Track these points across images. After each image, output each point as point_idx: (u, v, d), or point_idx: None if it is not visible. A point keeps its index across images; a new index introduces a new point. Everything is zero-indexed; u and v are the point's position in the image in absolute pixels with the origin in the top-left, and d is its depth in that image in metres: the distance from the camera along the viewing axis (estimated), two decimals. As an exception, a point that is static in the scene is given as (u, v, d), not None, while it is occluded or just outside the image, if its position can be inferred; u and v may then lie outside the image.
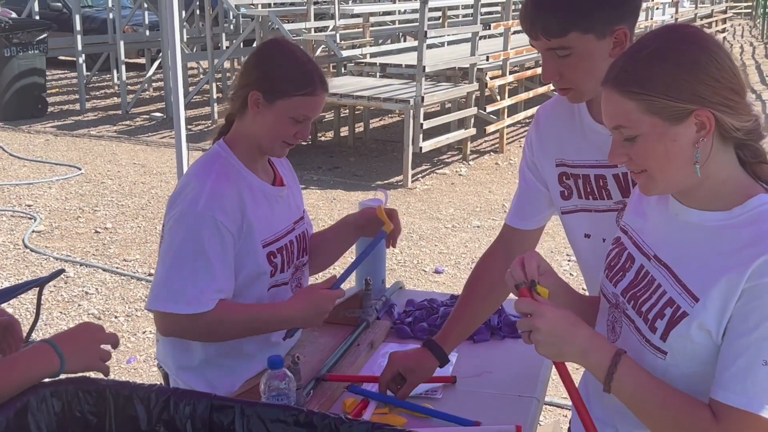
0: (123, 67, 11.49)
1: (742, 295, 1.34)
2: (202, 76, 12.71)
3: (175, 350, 2.15)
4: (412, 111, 7.83)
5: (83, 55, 11.65)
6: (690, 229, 1.46)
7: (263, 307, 2.09)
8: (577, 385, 1.51)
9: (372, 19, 11.17)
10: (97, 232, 6.37)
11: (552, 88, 8.98)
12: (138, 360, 4.33)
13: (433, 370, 2.07)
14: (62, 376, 1.54)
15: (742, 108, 1.38)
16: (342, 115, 9.85)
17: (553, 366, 1.51)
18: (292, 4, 12.23)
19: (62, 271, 3.58)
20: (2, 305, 2.83)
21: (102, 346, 1.65)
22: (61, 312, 4.87)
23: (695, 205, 1.45)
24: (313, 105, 2.05)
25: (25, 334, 3.15)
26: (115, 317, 4.84)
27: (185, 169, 4.39)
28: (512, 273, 1.56)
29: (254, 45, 7.53)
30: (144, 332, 4.63)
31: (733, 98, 1.36)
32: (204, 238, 1.96)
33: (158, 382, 2.24)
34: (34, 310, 3.48)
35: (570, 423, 1.89)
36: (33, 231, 6.32)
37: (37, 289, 3.40)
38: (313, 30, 10.37)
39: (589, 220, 1.93)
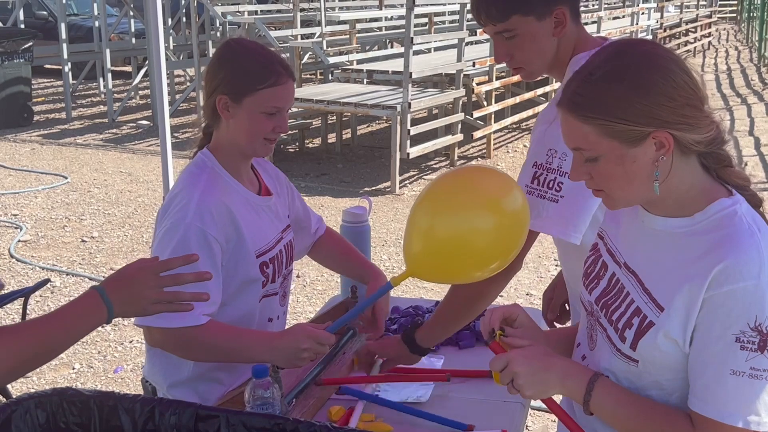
0: (109, 75, 11.45)
1: (704, 304, 1.35)
2: (188, 84, 12.68)
3: (167, 366, 2.11)
4: (399, 117, 7.83)
5: (69, 64, 11.61)
6: (655, 236, 1.47)
7: (247, 332, 2.03)
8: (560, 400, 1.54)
9: (358, 26, 11.18)
10: (83, 241, 6.34)
11: (538, 93, 9.08)
12: (125, 369, 4.31)
13: (415, 361, 2.09)
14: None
15: (701, 121, 1.37)
16: (329, 122, 9.85)
17: None
18: (278, 11, 12.22)
19: (47, 281, 3.56)
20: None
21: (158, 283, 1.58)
22: (47, 322, 4.84)
23: (660, 212, 1.46)
24: (282, 94, 2.02)
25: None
26: (102, 327, 4.82)
27: (171, 177, 4.38)
28: (482, 329, 1.59)
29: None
30: (131, 341, 4.61)
31: (691, 114, 1.35)
32: (193, 251, 1.91)
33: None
34: (20, 321, 3.45)
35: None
36: (19, 240, 6.28)
37: (23, 299, 3.38)
38: (299, 37, 10.37)
39: None
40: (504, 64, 8.93)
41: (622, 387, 1.46)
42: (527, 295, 5.27)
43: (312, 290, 5.35)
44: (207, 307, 1.92)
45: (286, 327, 2.37)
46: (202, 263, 1.93)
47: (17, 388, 4.01)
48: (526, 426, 3.70)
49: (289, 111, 2.09)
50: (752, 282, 1.31)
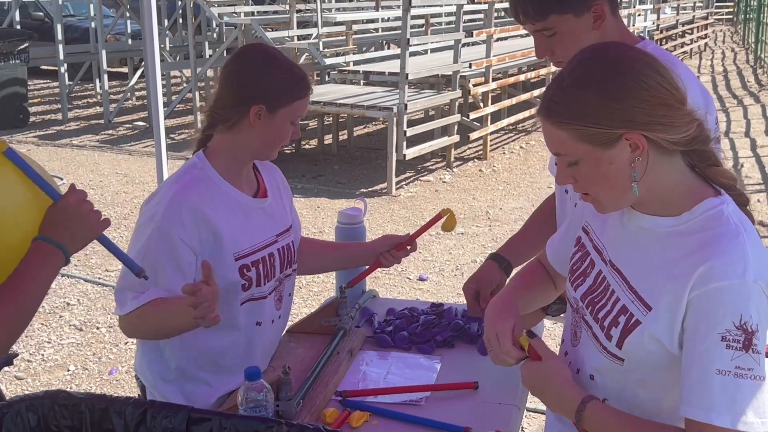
0: (105, 77, 11.44)
1: (689, 305, 1.35)
2: (185, 85, 12.67)
3: (152, 361, 2.13)
4: (395, 118, 7.83)
5: (65, 65, 11.59)
6: (642, 234, 1.47)
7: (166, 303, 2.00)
8: None
9: (355, 27, 11.18)
10: (79, 242, 6.32)
11: (535, 94, 9.06)
12: (120, 371, 4.29)
13: (503, 282, 2.20)
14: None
15: (677, 120, 1.37)
16: (326, 123, 9.85)
17: None
18: (275, 12, 12.23)
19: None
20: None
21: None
22: (42, 323, 4.83)
23: (646, 211, 1.47)
24: (306, 105, 2.11)
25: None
26: (97, 328, 4.80)
27: (165, 178, 4.37)
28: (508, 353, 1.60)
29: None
30: (126, 343, 4.59)
31: (665, 114, 1.36)
32: (152, 247, 1.98)
33: (137, 394, 2.23)
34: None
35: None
36: (14, 242, 6.26)
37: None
38: (296, 38, 10.37)
39: None
40: (500, 65, 8.86)
41: (612, 409, 1.46)
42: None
43: (308, 292, 5.34)
44: (140, 294, 1.96)
45: (286, 329, 2.38)
46: (162, 263, 1.97)
47: (11, 390, 4.00)
48: (522, 428, 3.70)
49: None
50: (737, 281, 1.32)
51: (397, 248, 2.41)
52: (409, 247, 2.41)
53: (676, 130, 1.37)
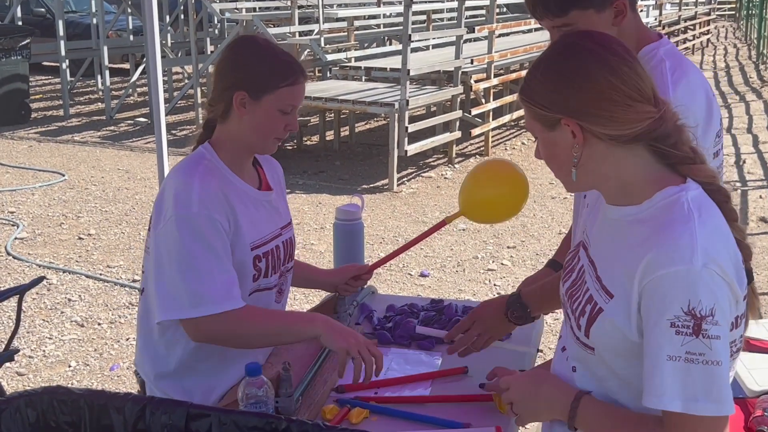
0: (107, 73, 11.44)
1: (642, 293, 1.38)
2: (186, 81, 12.66)
3: (151, 357, 2.12)
4: (397, 114, 7.82)
5: (67, 61, 11.58)
6: (611, 225, 1.51)
7: (293, 312, 2.11)
8: None
9: (356, 23, 11.16)
10: (80, 238, 6.33)
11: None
12: (121, 367, 4.30)
13: (510, 330, 2.18)
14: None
15: (619, 116, 1.39)
16: (327, 119, 9.84)
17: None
18: (276, 8, 12.20)
19: (42, 278, 3.54)
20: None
21: None
22: (43, 319, 4.83)
23: (613, 202, 1.50)
24: (298, 93, 2.06)
25: (6, 342, 3.12)
26: (99, 324, 4.81)
27: (166, 174, 4.36)
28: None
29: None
30: (127, 339, 4.60)
31: (606, 108, 1.39)
32: (209, 238, 1.94)
33: (137, 390, 2.23)
34: (15, 318, 3.44)
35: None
36: (15, 238, 6.27)
37: (17, 296, 3.37)
38: (297, 34, 10.36)
39: None
40: (502, 61, 8.86)
41: (603, 403, 1.49)
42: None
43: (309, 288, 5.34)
44: (234, 287, 1.95)
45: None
46: (220, 249, 1.96)
47: (12, 386, 4.01)
48: (523, 424, 3.70)
49: (297, 110, 2.11)
50: (683, 267, 1.33)
51: (354, 278, 2.44)
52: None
53: (616, 125, 1.40)
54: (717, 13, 27.87)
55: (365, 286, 2.64)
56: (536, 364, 2.27)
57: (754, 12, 21.98)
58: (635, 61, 1.43)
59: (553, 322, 4.59)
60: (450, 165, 8.79)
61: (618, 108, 1.39)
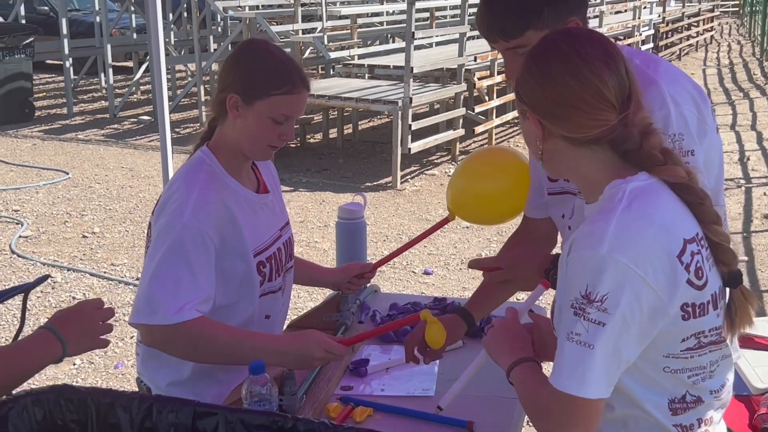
0: (110, 71, 11.45)
1: (564, 270, 1.45)
2: (190, 79, 12.67)
3: (159, 368, 2.10)
4: (400, 112, 7.82)
5: (70, 59, 11.60)
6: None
7: (254, 334, 2.02)
8: None
9: (359, 21, 11.15)
10: (84, 236, 6.34)
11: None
12: (126, 365, 4.31)
13: (461, 336, 2.15)
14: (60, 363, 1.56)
15: (576, 118, 1.43)
16: (330, 117, 9.84)
17: None
18: (279, 6, 12.20)
19: (47, 276, 3.54)
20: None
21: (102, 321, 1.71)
22: (48, 317, 4.83)
23: (587, 200, 1.54)
24: (293, 104, 2.00)
25: (11, 341, 3.11)
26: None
27: (170, 172, 4.37)
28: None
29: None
30: (132, 337, 4.60)
31: (562, 110, 1.44)
32: (189, 250, 1.91)
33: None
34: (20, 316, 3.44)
35: None
36: (20, 236, 6.28)
37: (22, 295, 3.37)
38: (300, 32, 10.35)
39: (572, 204, 1.97)
40: (503, 59, 8.77)
41: (535, 375, 1.55)
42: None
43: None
44: (200, 304, 1.91)
45: (286, 323, 2.38)
46: (197, 263, 1.92)
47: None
48: (527, 422, 3.70)
49: (294, 120, 2.07)
50: (589, 252, 1.37)
51: (357, 276, 2.43)
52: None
53: (571, 127, 1.45)
54: (721, 9, 27.81)
55: (368, 285, 2.65)
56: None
57: (758, 8, 21.95)
58: (606, 66, 1.44)
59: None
60: (453, 162, 8.79)
61: (574, 112, 1.44)
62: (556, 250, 2.05)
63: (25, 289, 3.36)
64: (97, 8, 13.07)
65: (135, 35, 13.17)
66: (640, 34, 14.30)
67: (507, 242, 2.25)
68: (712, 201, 1.49)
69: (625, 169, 1.46)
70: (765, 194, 7.45)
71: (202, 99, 10.58)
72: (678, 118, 1.74)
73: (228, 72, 2.03)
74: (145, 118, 11.01)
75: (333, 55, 9.77)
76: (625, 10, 14.89)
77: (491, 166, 2.29)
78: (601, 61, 1.44)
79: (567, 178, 1.60)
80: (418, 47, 9.62)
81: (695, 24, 20.68)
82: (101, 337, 1.70)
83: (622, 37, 13.46)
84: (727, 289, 1.50)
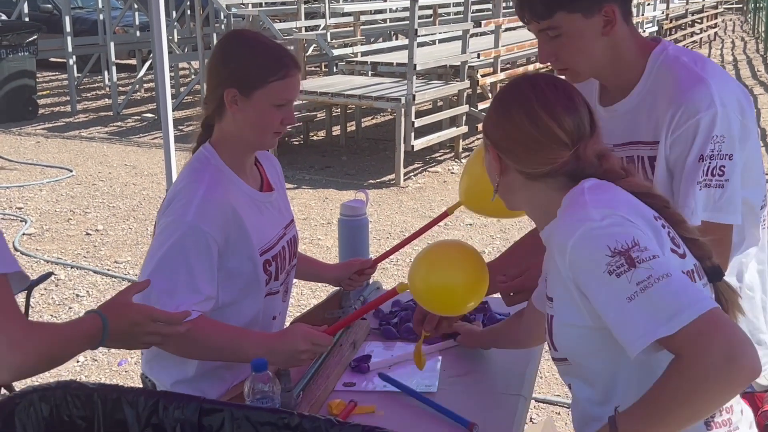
0: (114, 69, 11.46)
1: (573, 276, 1.42)
2: (193, 77, 12.68)
3: (166, 366, 2.10)
4: (403, 109, 7.82)
5: (74, 57, 11.60)
6: (546, 247, 1.58)
7: (244, 332, 2.01)
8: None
9: (363, 18, 11.16)
10: (88, 234, 6.35)
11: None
12: (129, 362, 4.31)
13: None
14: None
15: (529, 157, 1.54)
16: (334, 114, 9.84)
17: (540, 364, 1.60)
18: (282, 3, 12.20)
19: (50, 274, 3.55)
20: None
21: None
22: (51, 315, 4.85)
23: (542, 227, 1.61)
24: (291, 87, 2.00)
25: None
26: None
27: (173, 169, 4.38)
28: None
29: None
30: (136, 334, 4.61)
31: (517, 148, 1.55)
32: (189, 251, 1.90)
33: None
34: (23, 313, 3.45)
35: None
36: (23, 234, 6.29)
37: (26, 292, 3.38)
38: (303, 29, 10.35)
39: None
40: (509, 55, 8.82)
41: (632, 406, 1.42)
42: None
43: (315, 283, 5.34)
44: (198, 305, 1.90)
45: (287, 322, 2.38)
46: (197, 265, 1.92)
47: (23, 381, 4.02)
48: (531, 418, 3.70)
49: (293, 103, 2.07)
50: (586, 225, 1.40)
51: (358, 272, 2.43)
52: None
53: (525, 163, 1.55)
54: (724, 6, 27.76)
55: (371, 282, 2.65)
56: (537, 368, 2.28)
57: (761, 5, 21.89)
58: (564, 109, 1.51)
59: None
60: (457, 160, 8.79)
61: (528, 150, 1.53)
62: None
63: (28, 287, 3.37)
64: (100, 6, 13.08)
65: (138, 33, 13.19)
66: (644, 31, 14.28)
67: (519, 244, 2.28)
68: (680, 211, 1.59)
69: (570, 187, 1.53)
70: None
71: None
72: (723, 120, 1.73)
73: (218, 68, 2.01)
74: (149, 115, 11.02)
75: (336, 52, 9.77)
76: (629, 7, 14.85)
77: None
78: (561, 105, 1.52)
79: (522, 209, 1.64)
80: (421, 44, 9.62)
81: (699, 21, 20.65)
82: (142, 343, 1.70)
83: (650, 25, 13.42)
84: (710, 284, 1.54)
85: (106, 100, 12.17)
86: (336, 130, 9.81)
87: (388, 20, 12.99)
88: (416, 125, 7.99)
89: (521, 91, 1.57)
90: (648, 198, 1.52)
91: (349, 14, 10.94)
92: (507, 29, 9.73)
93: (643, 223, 1.43)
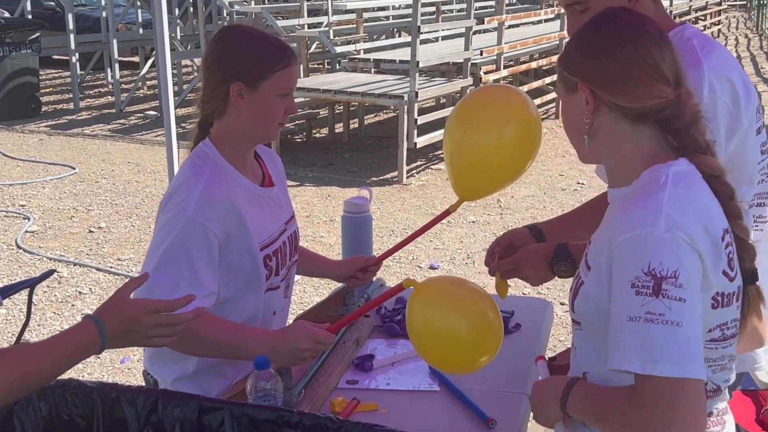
0: (117, 66, 11.45)
1: (612, 261, 1.40)
2: (196, 74, 12.67)
3: (167, 361, 2.10)
4: (406, 107, 7.81)
5: (77, 54, 11.60)
6: (609, 206, 1.55)
7: (246, 330, 2.00)
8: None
9: (365, 15, 11.14)
10: (90, 231, 6.35)
11: (546, 82, 8.96)
12: (132, 360, 4.31)
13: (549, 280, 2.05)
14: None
15: (634, 89, 1.43)
16: (336, 112, 9.83)
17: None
18: (285, 0, 12.20)
19: (53, 271, 3.55)
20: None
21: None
22: (54, 312, 4.85)
23: (613, 185, 1.54)
24: (292, 75, 2.04)
25: (17, 335, 3.13)
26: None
27: (176, 167, 4.37)
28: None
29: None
30: (138, 332, 4.61)
31: (621, 79, 1.43)
32: (191, 246, 1.91)
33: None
34: (26, 310, 3.45)
35: None
36: (26, 231, 6.29)
37: (29, 289, 3.38)
38: (306, 26, 10.35)
39: None
40: (511, 52, 8.82)
41: (591, 385, 1.50)
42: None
43: (318, 280, 5.34)
44: (199, 300, 1.87)
45: (289, 318, 2.37)
46: (199, 259, 1.91)
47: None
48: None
49: (297, 101, 2.07)
50: (645, 230, 1.35)
51: (362, 269, 2.41)
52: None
53: (627, 97, 1.44)
54: (728, 3, 27.69)
55: (374, 279, 2.64)
56: (547, 352, 2.27)
57: (765, 2, 21.85)
58: (665, 44, 1.46)
59: (563, 314, 4.58)
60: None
61: (632, 80, 1.43)
62: (558, 240, 2.04)
63: (31, 284, 3.38)
64: (103, 3, 13.07)
65: (141, 30, 13.18)
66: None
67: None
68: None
69: (665, 154, 1.47)
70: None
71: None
72: (707, 105, 1.70)
73: (220, 64, 2.01)
74: (152, 113, 11.02)
75: (339, 49, 9.76)
76: (632, 4, 14.81)
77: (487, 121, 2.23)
78: (662, 39, 1.47)
79: (603, 159, 1.55)
80: (424, 41, 9.60)
81: (702, 18, 20.59)
82: (148, 339, 1.57)
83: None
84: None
85: (109, 97, 12.17)
86: (339, 128, 9.80)
87: (390, 17, 12.97)
88: (419, 122, 7.97)
89: (622, 20, 1.49)
90: (718, 183, 1.47)
91: (351, 11, 10.92)
92: (510, 26, 9.73)
93: (707, 245, 1.37)
